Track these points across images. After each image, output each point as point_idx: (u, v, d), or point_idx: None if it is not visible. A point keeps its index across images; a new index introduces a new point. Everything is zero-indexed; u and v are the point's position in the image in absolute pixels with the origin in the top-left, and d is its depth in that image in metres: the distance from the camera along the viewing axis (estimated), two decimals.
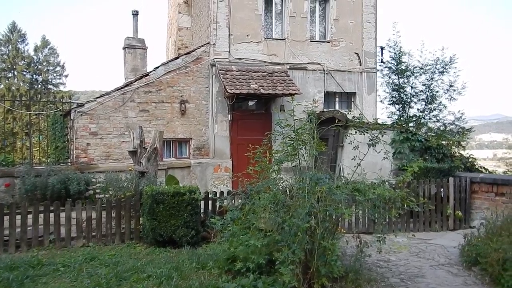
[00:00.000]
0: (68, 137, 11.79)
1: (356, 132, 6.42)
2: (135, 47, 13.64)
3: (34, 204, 7.58)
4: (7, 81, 31.13)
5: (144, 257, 6.57)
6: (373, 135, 5.83)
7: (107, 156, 11.45)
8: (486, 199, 9.37)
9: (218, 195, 8.29)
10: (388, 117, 15.10)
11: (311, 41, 13.41)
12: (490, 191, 9.24)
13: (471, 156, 11.54)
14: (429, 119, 14.88)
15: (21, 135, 22.63)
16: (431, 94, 14.48)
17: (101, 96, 11.74)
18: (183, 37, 16.10)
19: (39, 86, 32.29)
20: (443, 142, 11.60)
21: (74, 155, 11.20)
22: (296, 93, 11.97)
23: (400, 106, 14.93)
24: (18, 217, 7.18)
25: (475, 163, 11.29)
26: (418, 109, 14.87)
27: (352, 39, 13.79)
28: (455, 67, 14.40)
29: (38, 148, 15.56)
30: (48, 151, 12.63)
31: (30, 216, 7.28)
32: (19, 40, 32.06)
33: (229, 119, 12.34)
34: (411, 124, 13.62)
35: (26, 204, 7.49)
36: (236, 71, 12.23)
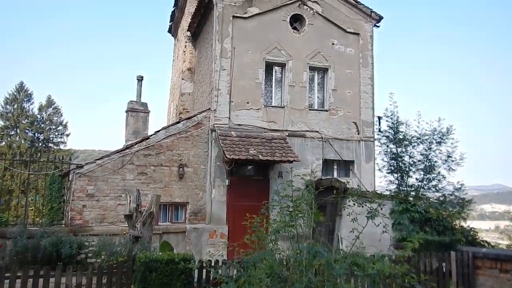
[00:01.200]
0: (65, 198, 11.67)
1: (354, 204, 6.36)
2: (137, 110, 13.94)
3: (24, 269, 7.32)
4: (9, 139, 31.48)
5: None
6: (371, 208, 5.78)
7: (102, 218, 11.27)
8: (490, 275, 9.07)
9: (213, 263, 8.04)
10: (386, 187, 15.05)
11: (309, 109, 13.73)
12: (494, 267, 8.96)
13: (473, 229, 11.36)
14: (428, 189, 14.82)
15: (17, 193, 22.45)
16: (430, 164, 14.53)
17: (101, 158, 11.78)
18: (185, 102, 16.50)
19: (40, 144, 32.58)
20: (444, 213, 11.47)
21: (69, 217, 11.02)
22: (294, 160, 12.04)
23: (398, 175, 14.94)
24: (7, 281, 6.92)
25: (477, 237, 11.09)
26: (416, 179, 14.86)
27: (350, 108, 14.13)
28: (453, 138, 14.59)
29: (33, 208, 15.36)
30: (44, 211, 12.46)
31: (18, 281, 7.01)
32: (25, 99, 32.86)
33: (227, 184, 12.30)
34: (411, 193, 13.55)
35: (15, 269, 7.24)
36: (236, 136, 12.39)
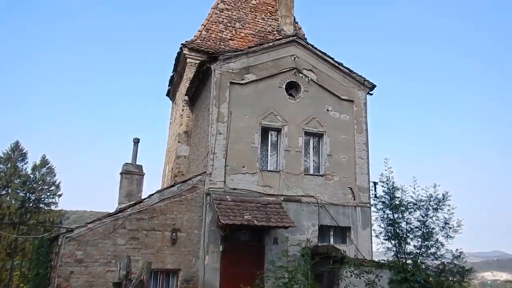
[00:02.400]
0: (52, 263, 11.26)
1: (352, 275, 6.17)
2: (132, 173, 13.86)
3: None
4: None
5: None
6: (369, 280, 5.59)
7: (89, 285, 10.79)
8: None
9: None
10: (384, 254, 14.70)
11: (305, 174, 13.72)
12: None
13: None
14: (427, 256, 14.47)
15: (3, 256, 21.71)
16: (427, 230, 14.30)
17: (93, 221, 11.52)
18: (180, 165, 16.49)
19: (31, 205, 32.02)
20: (444, 283, 11.11)
21: (55, 284, 10.55)
22: (290, 226, 11.84)
23: (396, 241, 14.64)
24: None
25: None
26: (414, 246, 14.54)
27: (346, 173, 14.15)
28: (449, 205, 14.48)
29: (18, 273, 14.79)
30: (29, 276, 11.96)
31: None
32: (19, 159, 32.76)
33: (221, 250, 11.96)
34: (409, 261, 13.20)
35: None
36: (231, 201, 12.24)
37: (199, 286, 11.76)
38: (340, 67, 14.87)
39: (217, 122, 13.02)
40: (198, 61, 15.61)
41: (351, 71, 15.00)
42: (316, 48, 14.66)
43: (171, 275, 11.95)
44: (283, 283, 5.56)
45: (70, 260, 10.81)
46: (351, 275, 6.24)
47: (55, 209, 32.25)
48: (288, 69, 14.24)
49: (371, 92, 15.35)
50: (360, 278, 5.86)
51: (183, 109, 17.11)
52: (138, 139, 14.56)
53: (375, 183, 14.77)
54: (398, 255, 13.99)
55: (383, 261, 12.63)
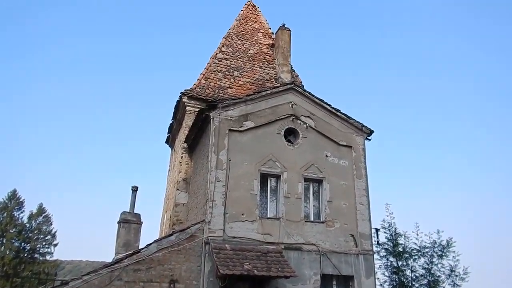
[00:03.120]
0: None
1: None
2: (130, 221, 13.61)
3: None
4: None
5: None
6: None
7: None
8: None
9: None
10: None
11: (305, 221, 13.50)
12: None
13: None
14: None
15: None
16: (433, 279, 13.97)
17: (88, 273, 11.17)
18: (179, 213, 16.26)
19: (26, 255, 31.31)
20: None
21: None
22: (291, 276, 11.50)
23: None
24: None
25: None
26: None
27: (347, 220, 13.92)
28: (454, 251, 14.23)
29: None
30: None
31: None
32: (16, 208, 32.45)
33: None
34: None
35: None
36: (230, 250, 11.96)
37: None
38: (338, 113, 15.02)
39: (216, 169, 12.97)
40: (197, 109, 15.80)
41: (348, 117, 15.14)
42: (313, 95, 14.87)
43: None
44: None
45: None
46: None
47: (50, 259, 31.58)
48: (286, 116, 14.37)
49: (369, 138, 15.41)
50: None
51: (182, 156, 17.11)
52: (137, 187, 14.43)
53: (377, 230, 14.59)
54: None
55: None
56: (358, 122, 15.24)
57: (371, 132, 15.41)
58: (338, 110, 15.06)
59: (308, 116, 14.66)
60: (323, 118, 14.86)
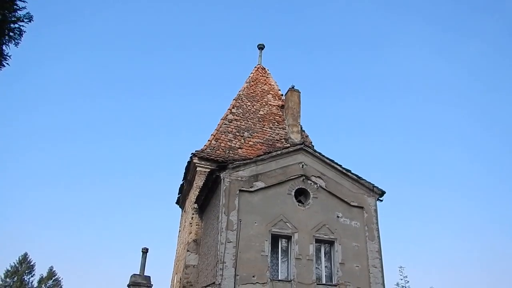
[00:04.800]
0: None
1: None
2: (140, 284, 13.47)
3: None
4: None
5: None
6: None
7: None
8: None
9: None
10: None
11: (317, 284, 13.15)
12: None
13: None
14: None
15: None
16: None
17: None
18: (189, 275, 15.98)
19: None
20: None
21: None
22: None
23: None
24: None
25: None
26: None
27: (360, 283, 13.53)
28: None
29: None
30: None
31: None
32: (26, 272, 32.07)
33: None
34: None
35: None
36: None
37: None
38: (349, 173, 15.07)
39: (227, 230, 12.93)
40: (207, 170, 16.03)
41: (359, 177, 15.17)
42: (323, 156, 15.03)
43: None
44: None
45: None
46: None
47: None
48: (297, 176, 14.48)
49: (381, 199, 15.32)
50: None
51: (192, 217, 17.11)
52: (147, 249, 14.38)
53: None
54: None
55: None
56: (369, 182, 15.23)
57: (383, 193, 15.33)
58: (348, 171, 15.12)
59: (319, 177, 14.74)
60: (334, 178, 14.91)
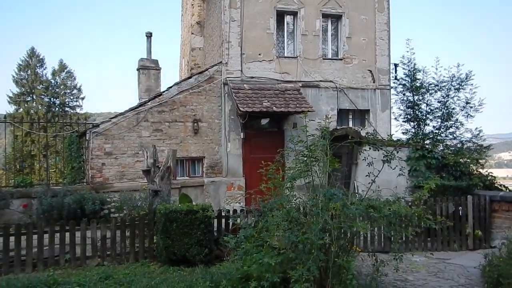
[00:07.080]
0: (84, 157, 11.90)
1: (370, 149, 6.33)
2: (148, 68, 13.83)
3: (50, 224, 7.64)
4: (26, 105, 31.82)
5: (158, 276, 6.49)
6: (388, 151, 5.74)
7: (121, 175, 11.50)
8: (507, 218, 9.10)
9: (231, 212, 8.23)
10: (403, 134, 14.89)
11: (323, 59, 13.44)
12: (511, 209, 8.97)
13: (490, 174, 11.26)
14: (446, 136, 14.58)
15: (39, 157, 23.01)
16: (447, 111, 14.23)
17: (116, 116, 11.87)
18: (196, 57, 16.30)
19: (57, 109, 32.90)
20: (461, 160, 11.37)
21: (90, 175, 11.28)
22: (309, 111, 11.86)
23: (415, 123, 14.71)
24: (35, 236, 7.23)
25: (495, 181, 11.00)
26: (433, 127, 14.61)
27: (365, 56, 13.78)
28: (472, 84, 14.15)
29: (55, 169, 15.75)
30: (65, 171, 12.77)
31: (46, 236, 7.31)
32: (37, 65, 32.84)
33: (242, 137, 12.34)
34: (427, 141, 13.40)
35: (42, 224, 7.55)
36: (249, 89, 12.28)
37: (224, 171, 12.39)
38: None
39: (230, 8, 12.50)
40: None
41: None
42: None
43: (196, 162, 12.56)
44: (303, 158, 5.74)
45: (100, 153, 11.39)
46: (370, 148, 6.40)
47: (81, 112, 33.08)
48: None
49: None
50: (378, 150, 5.99)
51: None
52: (151, 33, 14.24)
53: (395, 65, 14.43)
54: (417, 136, 14.18)
55: (401, 141, 12.87)
56: None
57: None
58: None
59: None
60: None
